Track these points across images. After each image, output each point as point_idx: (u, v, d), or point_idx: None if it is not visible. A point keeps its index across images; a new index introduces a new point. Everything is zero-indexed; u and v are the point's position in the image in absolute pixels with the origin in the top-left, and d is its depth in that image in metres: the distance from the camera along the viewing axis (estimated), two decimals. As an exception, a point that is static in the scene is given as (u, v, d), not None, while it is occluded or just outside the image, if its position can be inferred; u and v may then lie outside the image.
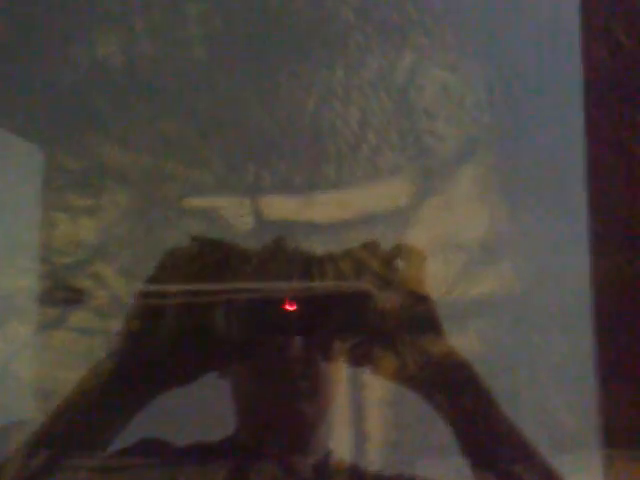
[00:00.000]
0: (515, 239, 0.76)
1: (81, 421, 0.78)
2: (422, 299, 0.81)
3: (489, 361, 0.77)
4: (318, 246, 0.80)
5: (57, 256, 0.77)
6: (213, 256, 0.79)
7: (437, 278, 0.79)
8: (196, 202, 0.77)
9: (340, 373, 0.79)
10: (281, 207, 0.78)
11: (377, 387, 0.75)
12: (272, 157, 0.77)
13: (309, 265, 0.81)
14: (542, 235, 0.76)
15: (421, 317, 0.80)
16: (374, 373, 0.78)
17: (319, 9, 0.74)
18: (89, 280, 0.76)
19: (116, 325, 0.78)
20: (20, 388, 0.75)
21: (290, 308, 0.78)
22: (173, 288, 0.80)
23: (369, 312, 0.80)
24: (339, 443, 0.75)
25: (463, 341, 0.77)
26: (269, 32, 0.76)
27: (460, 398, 0.71)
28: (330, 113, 0.76)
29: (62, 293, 0.74)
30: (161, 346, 0.79)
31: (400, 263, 0.82)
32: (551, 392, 0.78)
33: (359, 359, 0.79)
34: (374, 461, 0.73)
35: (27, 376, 0.77)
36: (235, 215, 0.77)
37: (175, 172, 0.77)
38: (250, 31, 0.75)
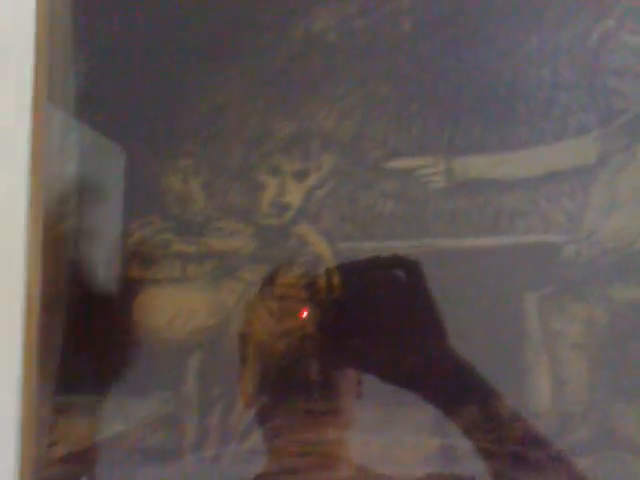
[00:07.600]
0: None
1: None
2: (609, 250, 0.85)
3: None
4: (507, 202, 0.84)
5: (264, 218, 0.83)
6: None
7: (623, 229, 0.83)
8: (393, 164, 0.82)
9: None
10: (472, 166, 0.82)
11: (568, 334, 0.81)
12: (466, 121, 0.81)
13: (499, 220, 0.86)
14: None
15: (608, 267, 0.84)
16: (565, 321, 0.83)
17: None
18: (293, 240, 0.82)
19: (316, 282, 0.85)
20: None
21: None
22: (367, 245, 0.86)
23: (557, 264, 0.84)
24: (538, 388, 0.81)
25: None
26: (466, 3, 0.80)
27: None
28: (524, 78, 0.80)
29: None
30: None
31: (586, 217, 0.86)
32: None
33: (549, 309, 0.84)
34: (572, 402, 0.79)
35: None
36: (428, 175, 0.82)
37: (375, 136, 0.82)
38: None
